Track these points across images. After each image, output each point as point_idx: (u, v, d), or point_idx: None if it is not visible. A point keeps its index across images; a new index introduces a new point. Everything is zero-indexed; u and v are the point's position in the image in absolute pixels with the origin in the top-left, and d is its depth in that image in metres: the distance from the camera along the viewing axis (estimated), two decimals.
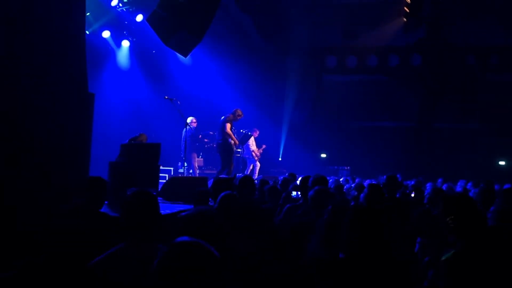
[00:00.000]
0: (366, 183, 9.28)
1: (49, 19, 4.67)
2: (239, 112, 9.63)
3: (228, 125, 9.35)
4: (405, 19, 13.58)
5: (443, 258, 2.55)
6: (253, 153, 11.63)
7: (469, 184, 9.23)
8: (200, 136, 11.55)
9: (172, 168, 12.17)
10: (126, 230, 2.17)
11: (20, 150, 4.43)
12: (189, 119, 10.64)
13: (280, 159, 15.17)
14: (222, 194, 3.52)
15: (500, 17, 13.42)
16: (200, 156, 12.15)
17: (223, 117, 9.56)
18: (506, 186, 8.53)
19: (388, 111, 15.66)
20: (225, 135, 9.30)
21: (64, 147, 4.88)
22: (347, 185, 8.49)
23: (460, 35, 14.39)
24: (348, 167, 15.47)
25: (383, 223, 2.55)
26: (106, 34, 11.64)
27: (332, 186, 7.29)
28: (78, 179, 4.99)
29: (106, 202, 5.43)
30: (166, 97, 8.51)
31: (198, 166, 11.91)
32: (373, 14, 13.77)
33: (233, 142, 9.40)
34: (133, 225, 2.15)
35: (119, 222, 2.22)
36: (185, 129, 9.99)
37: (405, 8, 13.36)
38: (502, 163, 15.27)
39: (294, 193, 5.40)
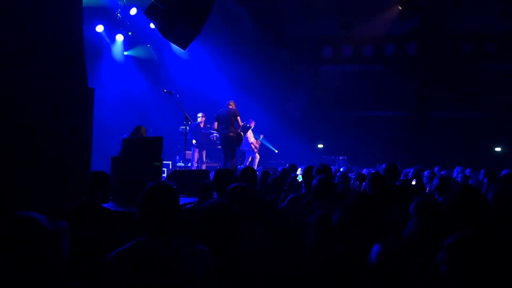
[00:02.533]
0: (362, 172, 9.35)
1: (47, 15, 4.63)
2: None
3: (239, 118, 9.46)
4: (400, 8, 13.55)
5: (446, 243, 2.59)
6: (252, 145, 11.62)
7: (467, 170, 9.30)
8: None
9: (170, 162, 12.15)
10: (145, 224, 2.13)
11: (21, 146, 4.41)
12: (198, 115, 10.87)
13: (276, 151, 15.19)
14: (232, 185, 3.51)
15: (495, 3, 13.42)
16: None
17: (228, 110, 9.46)
18: (505, 171, 8.59)
19: (384, 100, 15.67)
20: (239, 128, 9.45)
21: (66, 142, 4.86)
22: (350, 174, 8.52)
23: (456, 22, 14.39)
24: (345, 157, 15.52)
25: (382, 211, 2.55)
26: (99, 28, 11.55)
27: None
28: (80, 174, 4.98)
29: (110, 196, 5.44)
30: (165, 90, 8.46)
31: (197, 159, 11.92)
32: (368, 3, 13.72)
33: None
34: (152, 219, 2.12)
35: (136, 216, 2.18)
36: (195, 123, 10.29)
37: None
38: (498, 149, 15.39)
39: (299, 178, 5.38)
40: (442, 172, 9.05)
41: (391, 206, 4.38)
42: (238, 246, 2.57)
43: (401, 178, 7.27)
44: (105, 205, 4.83)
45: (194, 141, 11.06)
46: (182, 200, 4.99)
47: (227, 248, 2.48)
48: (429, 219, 2.91)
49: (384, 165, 6.61)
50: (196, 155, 11.06)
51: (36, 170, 4.49)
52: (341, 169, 9.14)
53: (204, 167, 10.92)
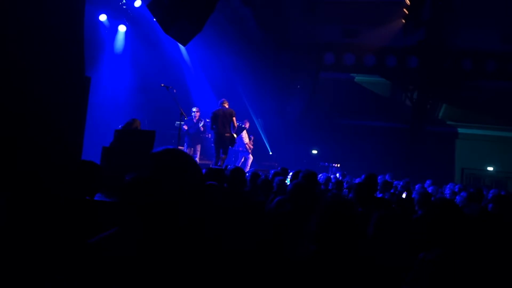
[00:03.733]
0: (355, 181, 9.39)
1: (46, 2, 4.61)
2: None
3: (235, 119, 9.51)
4: (404, 21, 13.62)
5: (426, 259, 2.58)
6: (246, 146, 11.63)
7: (457, 187, 9.32)
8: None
9: None
10: (124, 214, 2.16)
11: (13, 133, 4.39)
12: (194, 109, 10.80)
13: (270, 153, 15.20)
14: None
15: (497, 23, 13.54)
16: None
17: (224, 110, 9.48)
18: (492, 191, 8.62)
19: (382, 111, 15.74)
20: (233, 129, 9.55)
21: (57, 130, 4.84)
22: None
23: (458, 39, 14.48)
24: (339, 165, 15.55)
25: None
26: (102, 17, 11.54)
27: (321, 181, 7.40)
28: (70, 163, 4.96)
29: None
30: (162, 84, 8.46)
31: (191, 155, 11.90)
32: (373, 13, 13.79)
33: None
34: (132, 209, 2.15)
35: (116, 207, 2.21)
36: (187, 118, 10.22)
37: (405, 10, 13.41)
38: (490, 168, 15.47)
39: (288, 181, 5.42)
40: (430, 188, 9.09)
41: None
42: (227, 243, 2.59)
43: (391, 191, 7.35)
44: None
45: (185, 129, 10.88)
46: None
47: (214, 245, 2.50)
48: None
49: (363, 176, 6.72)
50: (188, 151, 10.99)
51: (26, 157, 4.48)
52: (331, 176, 9.19)
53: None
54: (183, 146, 11.02)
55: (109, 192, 4.99)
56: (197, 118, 10.88)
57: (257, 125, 15.02)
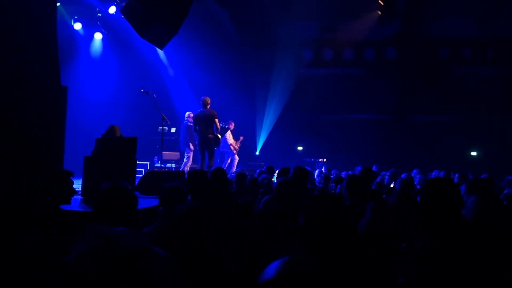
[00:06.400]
0: (341, 174, 9.43)
1: (19, 14, 4.53)
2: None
3: (217, 121, 9.44)
4: (379, 13, 13.71)
5: (416, 246, 2.53)
6: (231, 147, 11.59)
7: (442, 173, 9.43)
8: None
9: (148, 163, 12.04)
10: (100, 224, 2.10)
11: None
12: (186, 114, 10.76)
13: (257, 153, 15.20)
14: (168, 184, 3.57)
15: (471, 10, 13.70)
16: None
17: (206, 111, 9.42)
18: (484, 175, 8.70)
19: (364, 104, 15.82)
20: (216, 130, 9.46)
21: (37, 142, 4.76)
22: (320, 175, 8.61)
23: (434, 28, 14.65)
24: (325, 159, 15.61)
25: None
26: (77, 26, 11.42)
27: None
28: (50, 173, 4.87)
29: (81, 197, 5.35)
30: (142, 90, 8.38)
31: (176, 160, 11.85)
32: (349, 7, 13.84)
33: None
34: (107, 219, 2.09)
35: (92, 216, 2.16)
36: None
37: (380, 1, 13.49)
38: (473, 153, 15.68)
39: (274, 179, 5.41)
40: (418, 176, 9.17)
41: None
42: (207, 248, 2.55)
43: (377, 181, 7.38)
44: (77, 206, 4.76)
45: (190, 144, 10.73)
46: (155, 202, 4.93)
47: (196, 251, 2.46)
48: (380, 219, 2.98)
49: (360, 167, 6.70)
50: (191, 157, 10.82)
51: (6, 170, 4.39)
52: (316, 171, 9.19)
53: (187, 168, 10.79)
54: (168, 151, 10.93)
55: (93, 201, 4.91)
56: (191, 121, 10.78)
57: (256, 124, 15.04)
